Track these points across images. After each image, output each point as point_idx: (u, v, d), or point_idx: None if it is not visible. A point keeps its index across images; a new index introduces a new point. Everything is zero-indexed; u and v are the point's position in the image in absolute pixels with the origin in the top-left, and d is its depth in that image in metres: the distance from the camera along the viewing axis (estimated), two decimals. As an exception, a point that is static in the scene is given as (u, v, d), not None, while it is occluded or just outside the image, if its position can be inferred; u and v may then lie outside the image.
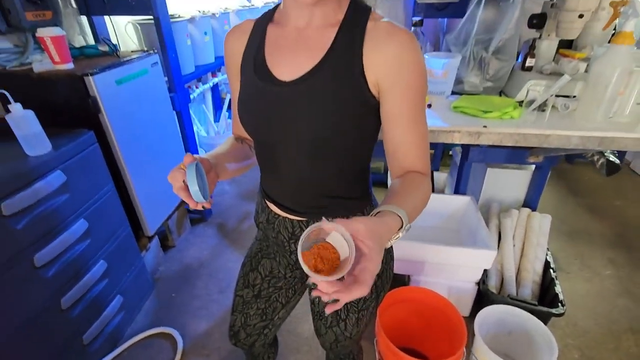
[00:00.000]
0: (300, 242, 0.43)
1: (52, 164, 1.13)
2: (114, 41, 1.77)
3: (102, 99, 1.33)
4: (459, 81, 1.43)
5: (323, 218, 0.43)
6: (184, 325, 1.55)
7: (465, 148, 1.49)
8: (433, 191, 2.24)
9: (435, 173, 2.34)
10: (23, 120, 1.09)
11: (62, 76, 1.31)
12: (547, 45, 1.37)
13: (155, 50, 1.68)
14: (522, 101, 1.26)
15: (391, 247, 0.80)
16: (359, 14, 0.59)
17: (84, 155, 1.26)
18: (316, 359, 1.41)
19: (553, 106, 1.23)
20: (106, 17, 1.78)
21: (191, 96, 2.13)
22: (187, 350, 1.45)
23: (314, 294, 0.41)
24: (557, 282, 1.40)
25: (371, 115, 0.60)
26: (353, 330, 0.80)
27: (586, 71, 1.24)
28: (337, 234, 0.44)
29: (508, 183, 1.68)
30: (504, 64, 1.32)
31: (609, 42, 1.03)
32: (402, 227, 0.49)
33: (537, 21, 1.34)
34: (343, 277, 0.42)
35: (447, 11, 1.72)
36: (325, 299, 0.41)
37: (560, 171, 2.71)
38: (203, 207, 0.54)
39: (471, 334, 1.16)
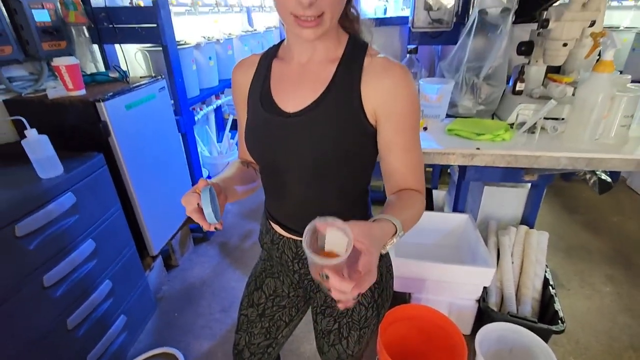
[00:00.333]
0: (304, 242, 0.47)
1: (64, 186, 1.17)
2: (123, 67, 1.85)
3: (112, 124, 1.40)
4: (453, 104, 1.50)
5: (317, 218, 0.48)
6: (187, 345, 1.55)
7: (462, 167, 1.54)
8: (432, 209, 2.26)
9: (434, 191, 2.38)
10: (38, 145, 1.14)
11: (75, 102, 1.38)
12: (536, 71, 1.44)
13: (163, 76, 1.76)
14: (513, 124, 1.32)
15: (390, 265, 0.83)
16: (357, 50, 0.65)
17: (94, 177, 1.30)
18: (318, 379, 1.41)
19: (543, 128, 1.28)
20: (116, 45, 1.87)
21: (196, 118, 2.20)
22: (189, 371, 1.45)
23: (333, 295, 0.46)
24: (556, 299, 1.42)
25: (369, 143, 0.65)
26: (355, 348, 0.82)
27: (573, 95, 1.30)
28: (333, 231, 0.48)
29: (505, 201, 1.72)
30: (494, 89, 1.39)
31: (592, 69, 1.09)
32: (395, 233, 0.54)
33: (525, 48, 1.42)
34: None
35: (440, 39, 1.81)
36: (341, 297, 0.46)
37: (558, 188, 2.75)
38: (215, 228, 0.58)
39: (472, 352, 1.17)
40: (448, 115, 1.51)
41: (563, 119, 1.29)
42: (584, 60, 1.39)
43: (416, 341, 1.31)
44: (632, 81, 1.30)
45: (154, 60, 1.95)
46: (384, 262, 0.81)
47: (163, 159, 1.76)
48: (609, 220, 2.38)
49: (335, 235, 0.48)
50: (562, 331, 1.30)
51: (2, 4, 1.31)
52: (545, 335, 1.24)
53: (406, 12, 2.37)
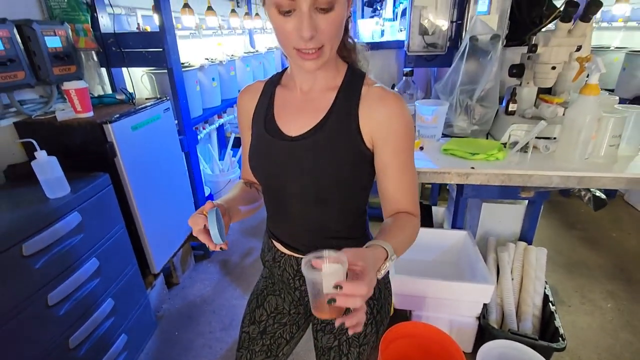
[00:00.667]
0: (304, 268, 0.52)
1: (70, 205, 1.20)
2: (130, 89, 1.92)
3: (118, 144, 1.44)
4: (448, 124, 1.55)
5: (311, 253, 0.53)
6: (187, 364, 1.54)
7: (460, 184, 1.58)
8: (432, 225, 2.27)
9: (433, 207, 2.41)
10: (47, 166, 1.18)
11: (83, 124, 1.43)
12: (528, 92, 1.50)
13: (168, 97, 1.82)
14: (506, 143, 1.37)
15: (388, 282, 0.85)
16: (355, 79, 0.70)
17: (99, 197, 1.34)
18: (319, 399, 1.39)
19: (535, 147, 1.33)
20: (123, 68, 1.94)
21: (199, 137, 2.26)
22: (189, 392, 1.44)
23: (347, 302, 0.49)
24: (556, 315, 1.42)
25: (367, 165, 0.69)
26: (355, 365, 0.83)
27: (564, 114, 1.35)
28: (328, 265, 0.51)
29: (504, 217, 1.74)
30: (487, 110, 1.44)
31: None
32: (387, 257, 0.57)
33: (517, 71, 1.48)
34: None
35: (435, 62, 1.89)
36: (356, 303, 0.49)
37: (556, 204, 2.77)
38: (221, 248, 0.61)
39: (473, 370, 1.17)
40: (444, 135, 1.56)
41: (555, 138, 1.34)
42: (573, 82, 1.45)
43: (417, 359, 1.31)
44: (623, 99, 1.35)
45: (159, 82, 2.02)
46: (382, 279, 0.83)
47: (166, 177, 1.80)
48: (608, 236, 2.39)
49: (332, 267, 0.52)
50: (564, 349, 1.30)
51: (17, 32, 1.37)
52: (546, 353, 1.24)
53: (402, 35, 2.47)
